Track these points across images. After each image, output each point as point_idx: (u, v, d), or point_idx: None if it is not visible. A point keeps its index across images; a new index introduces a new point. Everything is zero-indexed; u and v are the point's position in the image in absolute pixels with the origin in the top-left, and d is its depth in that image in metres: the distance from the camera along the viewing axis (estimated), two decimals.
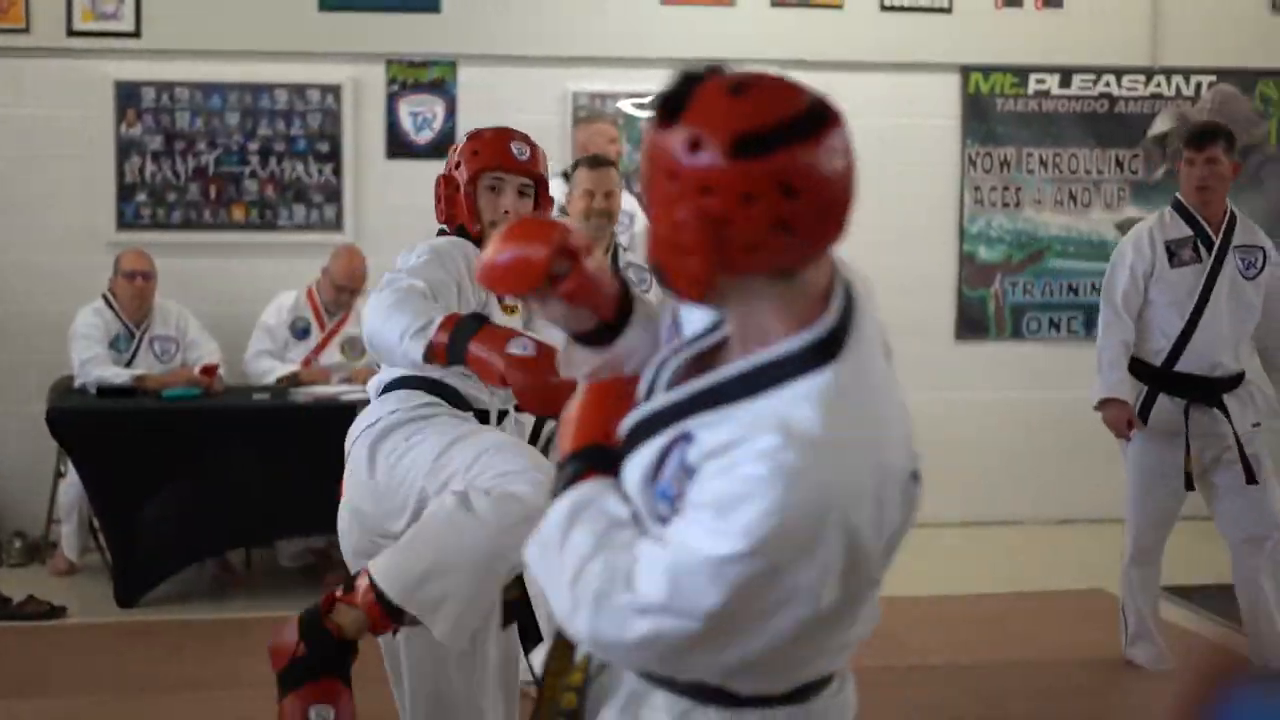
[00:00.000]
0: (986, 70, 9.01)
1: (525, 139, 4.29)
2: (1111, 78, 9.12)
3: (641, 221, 8.05)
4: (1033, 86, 9.05)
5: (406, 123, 8.57)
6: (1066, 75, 9.08)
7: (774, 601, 1.97)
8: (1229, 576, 6.06)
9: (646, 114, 8.97)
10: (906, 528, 2.13)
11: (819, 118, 2.01)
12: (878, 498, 2.02)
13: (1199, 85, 9.17)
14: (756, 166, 1.97)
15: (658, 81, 8.36)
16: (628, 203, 8.04)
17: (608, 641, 2.05)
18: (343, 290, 7.87)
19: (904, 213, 8.89)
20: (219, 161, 8.48)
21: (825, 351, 2.02)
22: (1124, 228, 9.12)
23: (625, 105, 8.74)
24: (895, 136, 8.88)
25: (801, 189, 1.97)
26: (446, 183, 4.30)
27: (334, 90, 8.51)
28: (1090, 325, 9.15)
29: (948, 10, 8.95)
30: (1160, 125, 9.09)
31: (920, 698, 5.83)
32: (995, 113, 9.00)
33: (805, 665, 2.17)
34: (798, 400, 1.98)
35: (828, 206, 2.02)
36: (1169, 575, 6.38)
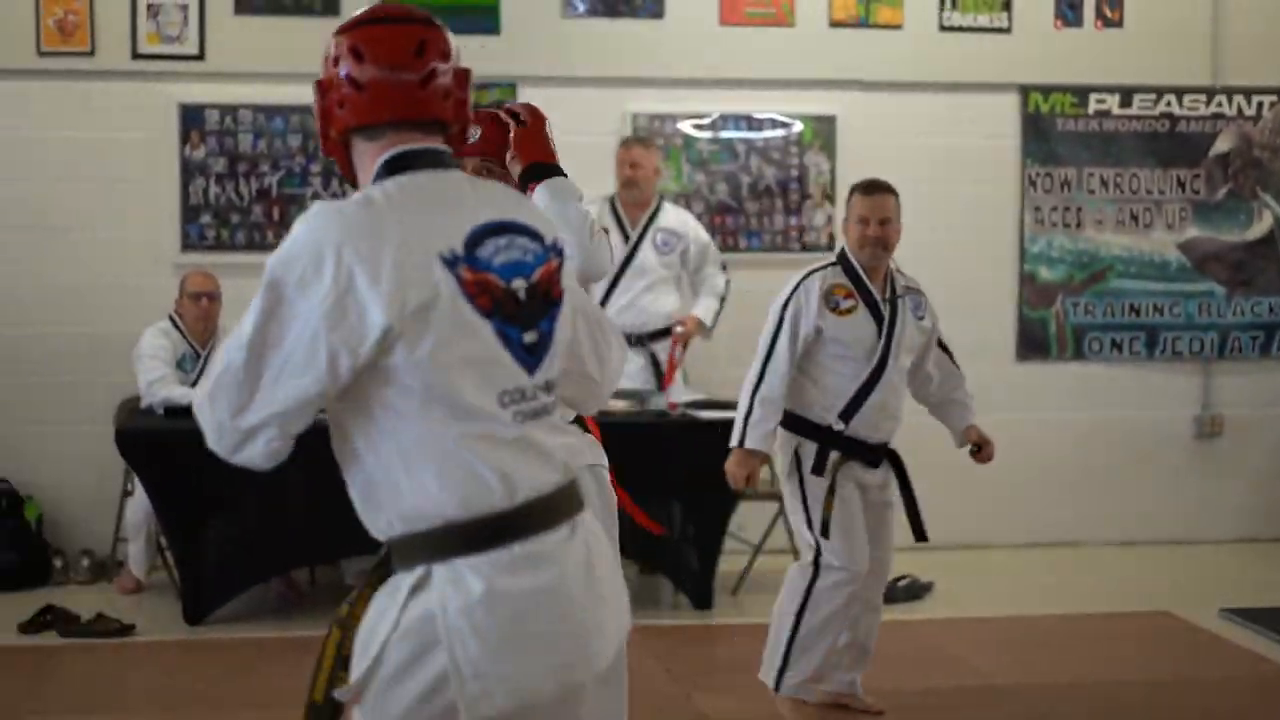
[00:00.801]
0: (1046, 90, 9.00)
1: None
2: (1172, 97, 9.09)
3: (694, 239, 8.10)
4: (1093, 106, 9.03)
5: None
6: (1127, 95, 9.06)
7: (286, 327, 2.43)
8: None
9: (706, 134, 9.04)
10: (447, 305, 2.48)
11: (400, 17, 2.68)
12: (393, 259, 2.44)
13: (1260, 105, 9.13)
14: (341, 37, 2.70)
15: (718, 102, 8.43)
16: (677, 219, 8.09)
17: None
18: None
19: (964, 232, 8.88)
20: (281, 183, 8.56)
21: (386, 174, 2.66)
22: (1186, 248, 9.09)
23: (685, 126, 8.76)
24: (954, 156, 8.88)
25: (367, 55, 2.64)
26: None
27: None
28: (1153, 345, 9.10)
29: (1007, 30, 8.94)
30: (1222, 145, 9.05)
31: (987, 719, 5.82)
32: (1055, 132, 8.98)
33: (449, 477, 2.50)
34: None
35: (387, 75, 2.64)
36: (1234, 598, 6.35)
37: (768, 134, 8.82)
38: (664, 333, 8.05)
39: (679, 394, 7.73)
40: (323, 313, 2.41)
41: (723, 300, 8.15)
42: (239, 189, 8.53)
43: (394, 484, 2.54)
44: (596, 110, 8.68)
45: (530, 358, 2.60)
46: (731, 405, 7.71)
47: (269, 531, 7.11)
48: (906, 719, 5.76)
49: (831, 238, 8.81)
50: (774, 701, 5.73)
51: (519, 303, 2.59)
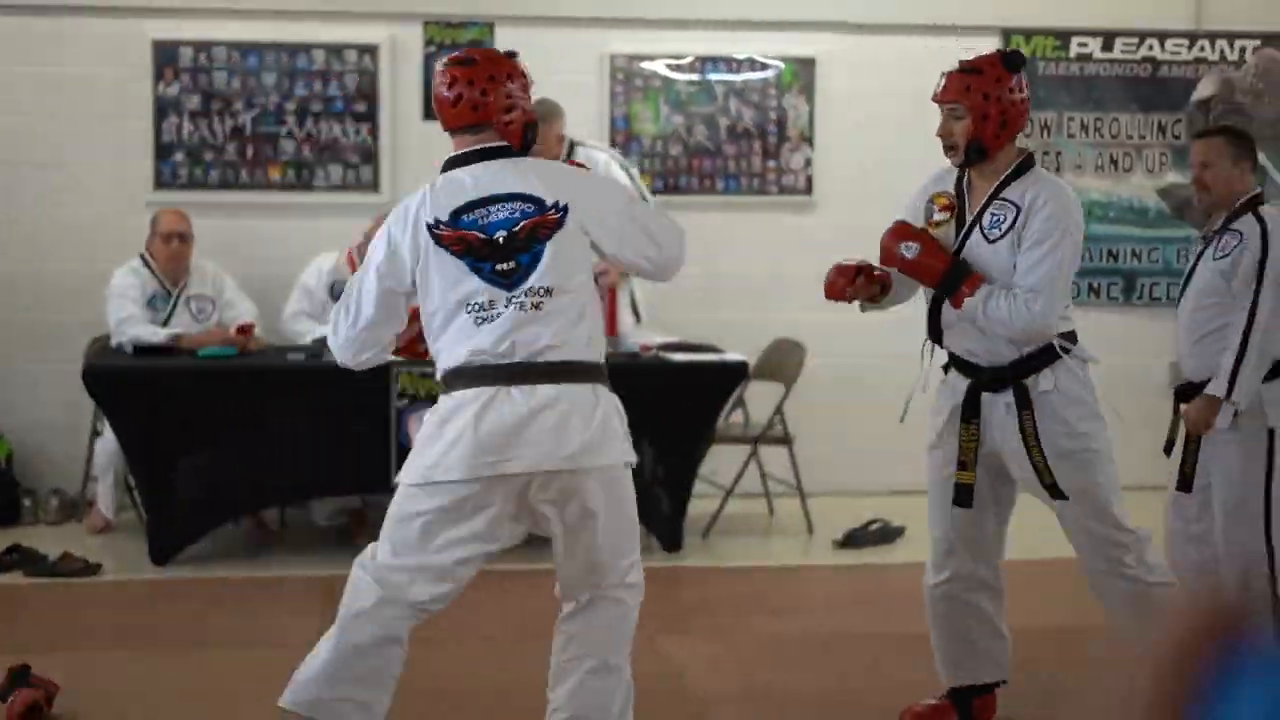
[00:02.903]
0: (1028, 33, 8.93)
1: None
2: (1155, 41, 9.04)
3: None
4: (1075, 50, 8.97)
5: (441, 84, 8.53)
6: (1109, 39, 9.00)
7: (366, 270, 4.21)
8: None
9: (685, 76, 8.96)
10: (432, 252, 4.11)
11: (448, 61, 4.30)
12: (411, 230, 4.12)
13: (1243, 49, 9.07)
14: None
15: (697, 43, 8.36)
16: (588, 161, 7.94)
17: None
18: None
19: None
20: (256, 122, 8.49)
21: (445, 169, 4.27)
22: (1166, 193, 9.04)
23: (663, 67, 8.68)
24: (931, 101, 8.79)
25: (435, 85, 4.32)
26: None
27: (371, 51, 8.50)
28: (1130, 291, 9.07)
29: None
30: (1204, 90, 8.99)
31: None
32: (1036, 76, 8.91)
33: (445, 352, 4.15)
34: None
35: (437, 99, 4.26)
36: None
37: (747, 76, 8.75)
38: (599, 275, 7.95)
39: (650, 336, 7.69)
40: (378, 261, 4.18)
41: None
42: (212, 127, 8.46)
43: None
44: (575, 50, 8.61)
45: (503, 280, 4.04)
46: (703, 348, 7.71)
47: (238, 472, 7.08)
48: (881, 661, 5.76)
49: (810, 181, 8.76)
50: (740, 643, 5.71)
51: (493, 245, 4.05)
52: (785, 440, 7.92)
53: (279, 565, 7.22)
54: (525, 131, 4.21)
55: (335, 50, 8.50)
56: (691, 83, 8.73)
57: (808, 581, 6.86)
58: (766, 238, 8.75)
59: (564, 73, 8.48)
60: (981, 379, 4.67)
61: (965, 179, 4.76)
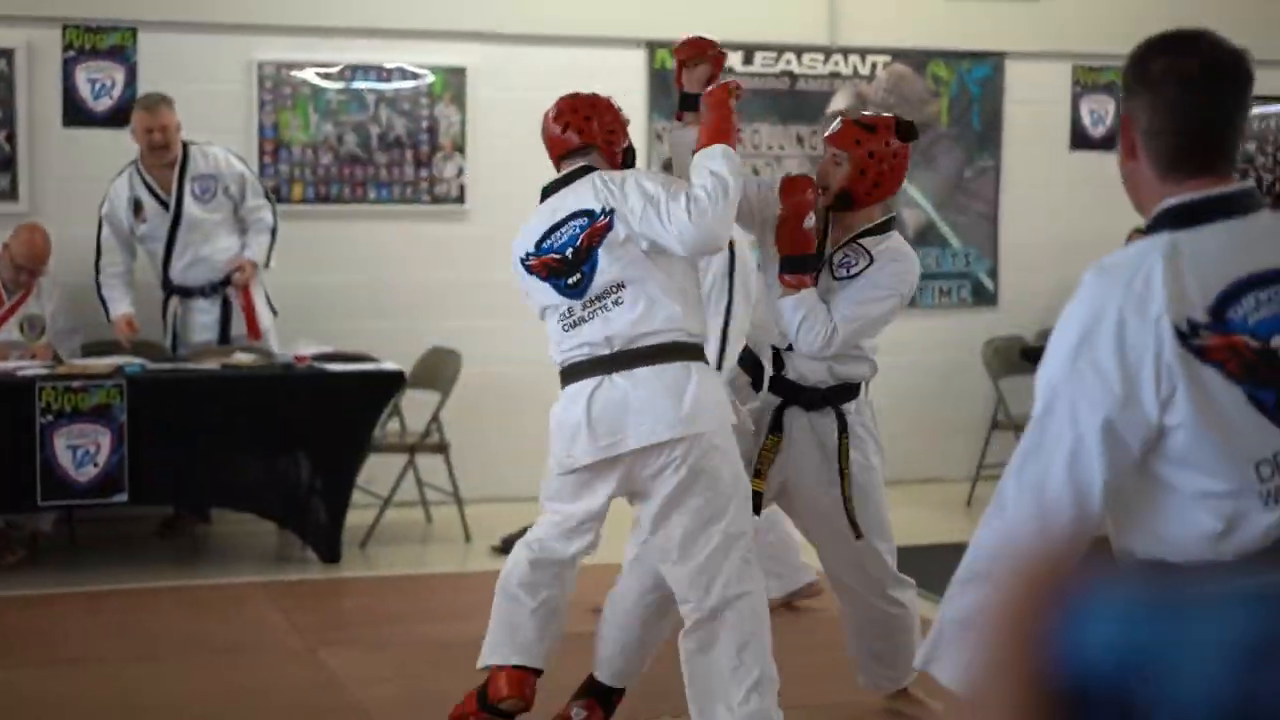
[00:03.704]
0: (672, 46, 9.13)
1: None
2: (792, 56, 9.37)
3: (230, 175, 7.87)
4: None
5: (84, 90, 8.30)
6: (749, 53, 9.29)
7: None
8: None
9: (335, 85, 8.89)
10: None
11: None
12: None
13: (874, 65, 9.48)
14: None
15: (347, 51, 8.32)
16: (207, 163, 7.83)
17: None
18: (22, 270, 7.61)
19: None
20: None
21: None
22: None
23: (312, 75, 8.61)
24: None
25: None
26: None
27: (7, 55, 8.20)
28: None
29: None
30: (837, 103, 9.37)
31: None
32: None
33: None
34: None
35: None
36: None
37: (398, 85, 8.75)
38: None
39: (305, 346, 7.62)
40: None
41: (274, 232, 7.91)
42: None
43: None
44: (221, 59, 8.46)
45: (573, 291, 4.61)
46: (359, 357, 7.69)
47: None
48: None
49: (463, 189, 8.81)
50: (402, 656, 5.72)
51: (566, 262, 4.61)
52: (442, 448, 7.95)
53: None
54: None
55: None
56: (341, 91, 8.68)
57: (467, 588, 6.88)
58: (420, 246, 8.76)
59: (211, 80, 8.36)
60: (797, 398, 4.88)
61: (830, 215, 4.92)
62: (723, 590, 4.54)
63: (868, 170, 4.77)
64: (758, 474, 4.85)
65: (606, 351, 4.59)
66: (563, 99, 4.98)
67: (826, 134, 4.93)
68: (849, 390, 4.91)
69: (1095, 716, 0.95)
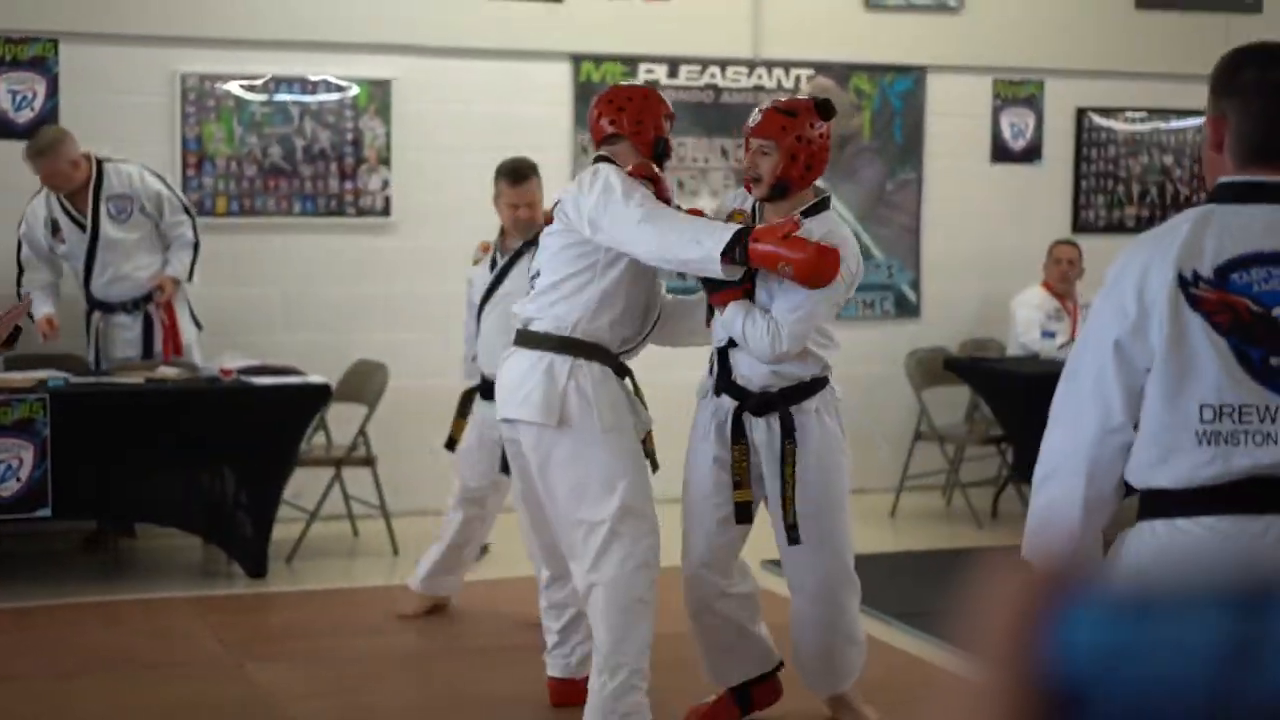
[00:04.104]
0: (597, 59, 9.19)
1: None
2: (716, 69, 9.42)
3: (145, 194, 7.80)
4: (642, 76, 9.27)
5: (4, 101, 8.23)
6: (674, 66, 9.34)
7: None
8: None
9: (259, 97, 8.85)
10: None
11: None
12: None
13: (798, 78, 9.55)
14: None
15: (271, 64, 8.31)
16: (121, 182, 7.77)
17: None
18: None
19: None
20: None
21: None
22: (731, 216, 9.42)
23: (236, 88, 8.58)
24: (508, 124, 8.89)
25: None
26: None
27: None
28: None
29: (558, 0, 9.07)
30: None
31: None
32: None
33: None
34: None
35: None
36: None
37: (322, 97, 8.73)
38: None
39: (230, 359, 7.59)
40: None
41: (196, 247, 7.83)
42: None
43: None
44: (144, 70, 8.41)
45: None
46: (285, 370, 7.66)
47: None
48: (470, 674, 5.83)
49: (388, 202, 8.80)
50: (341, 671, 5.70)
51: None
52: (369, 461, 7.93)
53: None
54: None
55: None
56: (266, 103, 8.65)
57: (395, 602, 6.88)
58: (345, 259, 8.75)
59: (134, 92, 8.32)
60: (748, 403, 4.86)
61: (758, 205, 4.92)
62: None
63: (798, 155, 4.77)
64: (738, 485, 4.86)
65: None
66: (613, 88, 5.41)
67: (749, 126, 4.92)
68: (801, 390, 4.90)
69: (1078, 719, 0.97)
